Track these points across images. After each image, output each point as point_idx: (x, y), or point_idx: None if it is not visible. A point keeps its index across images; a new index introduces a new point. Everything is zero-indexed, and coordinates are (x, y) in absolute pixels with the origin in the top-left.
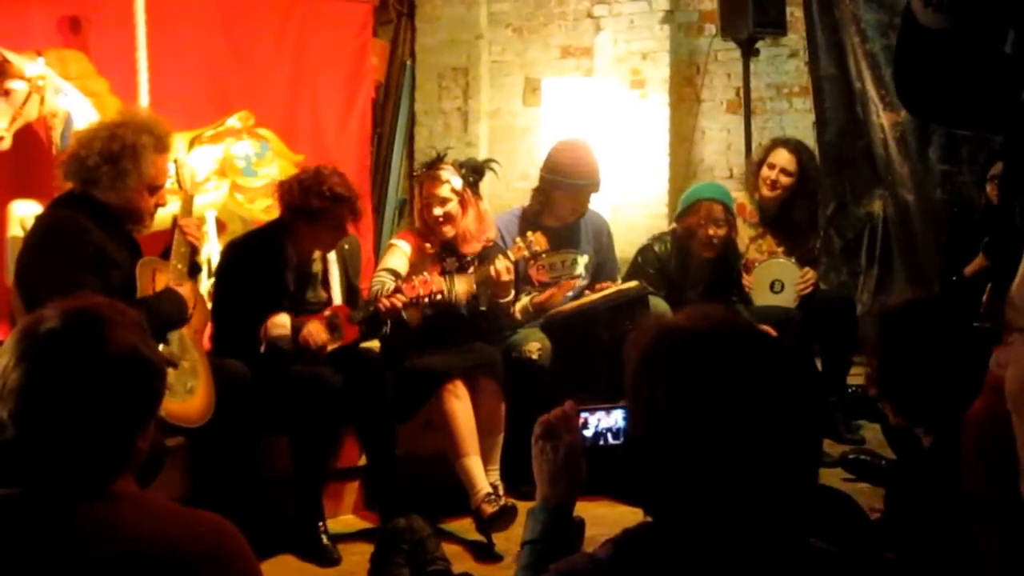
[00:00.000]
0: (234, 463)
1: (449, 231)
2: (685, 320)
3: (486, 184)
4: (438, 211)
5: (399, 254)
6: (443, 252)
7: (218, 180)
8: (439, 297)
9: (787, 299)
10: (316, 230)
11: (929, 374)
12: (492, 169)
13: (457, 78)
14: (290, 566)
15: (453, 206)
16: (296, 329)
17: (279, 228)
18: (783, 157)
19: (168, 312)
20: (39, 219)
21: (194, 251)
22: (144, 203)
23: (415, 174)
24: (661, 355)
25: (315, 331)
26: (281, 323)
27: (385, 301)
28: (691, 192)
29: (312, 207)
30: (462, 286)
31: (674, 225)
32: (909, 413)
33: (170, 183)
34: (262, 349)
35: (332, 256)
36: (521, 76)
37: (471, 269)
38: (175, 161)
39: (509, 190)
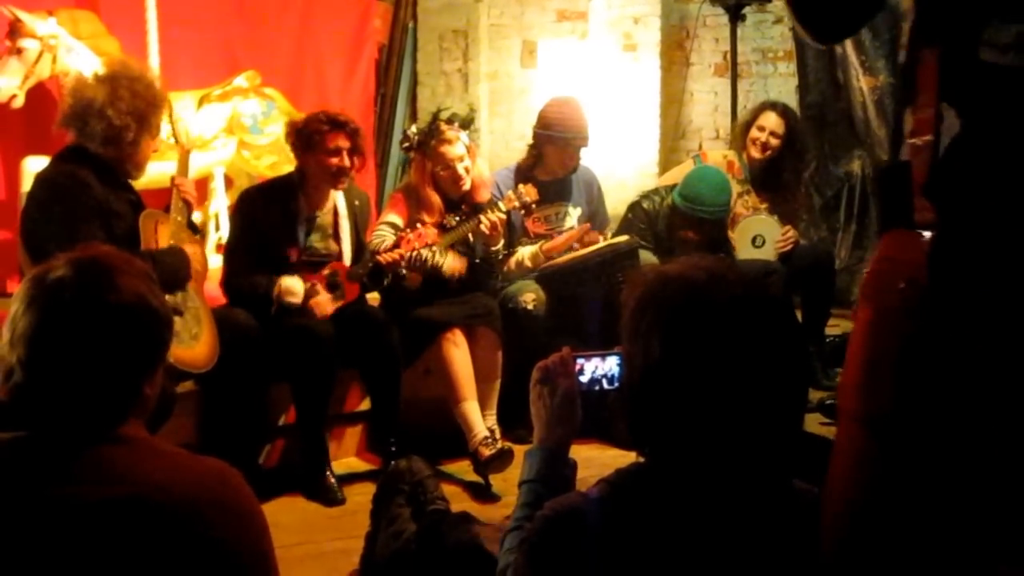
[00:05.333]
0: (243, 409)
1: (466, 184)
2: (680, 268)
3: (485, 144)
4: (460, 168)
5: (398, 210)
6: (445, 210)
7: (226, 137)
8: (435, 248)
9: (767, 254)
10: (320, 160)
11: None
12: (472, 119)
13: (457, 40)
14: (296, 506)
15: (468, 161)
16: (307, 295)
17: (290, 181)
18: (772, 120)
19: (172, 265)
20: (39, 175)
21: (189, 210)
22: (140, 155)
23: (409, 137)
24: (657, 302)
25: (323, 303)
26: (294, 291)
27: (385, 256)
28: (693, 194)
29: (311, 130)
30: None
31: (667, 184)
32: None
33: (167, 137)
34: (273, 310)
35: (344, 211)
36: (518, 39)
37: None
38: (171, 118)
39: (508, 149)
